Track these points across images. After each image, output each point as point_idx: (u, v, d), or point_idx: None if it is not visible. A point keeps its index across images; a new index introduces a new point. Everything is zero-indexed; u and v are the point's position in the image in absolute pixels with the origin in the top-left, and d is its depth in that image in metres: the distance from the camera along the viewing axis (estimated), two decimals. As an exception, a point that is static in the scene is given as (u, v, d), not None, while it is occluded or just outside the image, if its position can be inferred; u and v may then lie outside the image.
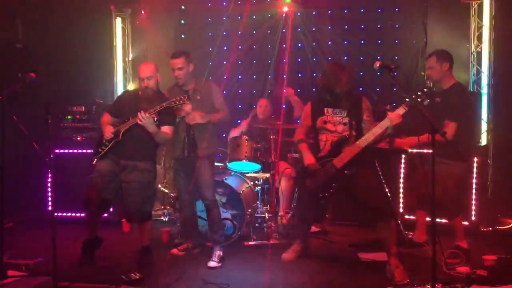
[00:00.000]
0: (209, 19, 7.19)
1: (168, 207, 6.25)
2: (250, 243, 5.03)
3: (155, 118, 4.21)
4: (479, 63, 6.04)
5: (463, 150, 4.35)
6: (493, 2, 5.83)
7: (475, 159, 5.20)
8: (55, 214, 3.75)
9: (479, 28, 6.01)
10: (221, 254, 4.45)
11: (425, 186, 4.39)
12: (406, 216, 5.37)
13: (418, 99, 3.79)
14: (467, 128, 4.37)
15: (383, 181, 4.82)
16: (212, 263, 4.34)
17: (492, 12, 5.86)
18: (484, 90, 5.93)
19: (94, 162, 4.42)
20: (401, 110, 3.91)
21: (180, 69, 4.40)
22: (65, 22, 6.52)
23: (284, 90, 5.79)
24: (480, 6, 5.98)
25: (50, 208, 5.65)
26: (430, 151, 4.55)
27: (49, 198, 5.79)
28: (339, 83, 4.19)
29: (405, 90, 3.84)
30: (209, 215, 4.64)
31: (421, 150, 5.06)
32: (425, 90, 3.82)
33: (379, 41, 6.71)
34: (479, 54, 6.04)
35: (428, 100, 3.83)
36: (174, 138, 4.47)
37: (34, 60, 6.23)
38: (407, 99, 3.87)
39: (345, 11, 6.71)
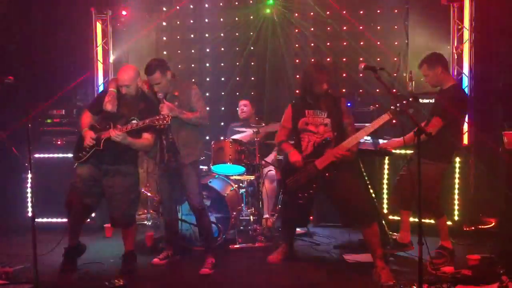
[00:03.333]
0: (191, 21, 7.16)
1: (151, 211, 6.18)
2: (236, 246, 4.99)
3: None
4: (459, 64, 6.08)
5: (445, 152, 4.40)
6: (473, 3, 5.88)
7: (457, 159, 5.25)
8: (35, 220, 3.67)
9: (460, 29, 6.07)
10: (214, 261, 4.37)
11: (408, 186, 4.42)
12: (391, 217, 5.39)
13: (403, 108, 3.79)
14: (453, 131, 4.39)
15: (368, 183, 4.84)
16: (204, 270, 4.25)
17: (472, 13, 5.91)
18: (465, 90, 5.98)
19: (74, 167, 4.34)
20: (385, 117, 3.93)
21: (158, 84, 4.19)
22: (44, 24, 6.41)
23: None
24: (460, 8, 6.02)
25: (29, 213, 5.53)
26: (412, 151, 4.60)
27: (29, 204, 5.68)
28: (318, 84, 4.20)
29: (390, 91, 3.84)
30: (199, 222, 4.55)
31: (405, 151, 5.09)
32: (410, 99, 3.84)
33: (361, 43, 6.73)
34: (459, 56, 6.09)
35: (413, 110, 3.85)
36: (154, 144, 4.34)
37: (12, 63, 6.11)
38: (392, 107, 3.90)
39: (327, 13, 6.72)
